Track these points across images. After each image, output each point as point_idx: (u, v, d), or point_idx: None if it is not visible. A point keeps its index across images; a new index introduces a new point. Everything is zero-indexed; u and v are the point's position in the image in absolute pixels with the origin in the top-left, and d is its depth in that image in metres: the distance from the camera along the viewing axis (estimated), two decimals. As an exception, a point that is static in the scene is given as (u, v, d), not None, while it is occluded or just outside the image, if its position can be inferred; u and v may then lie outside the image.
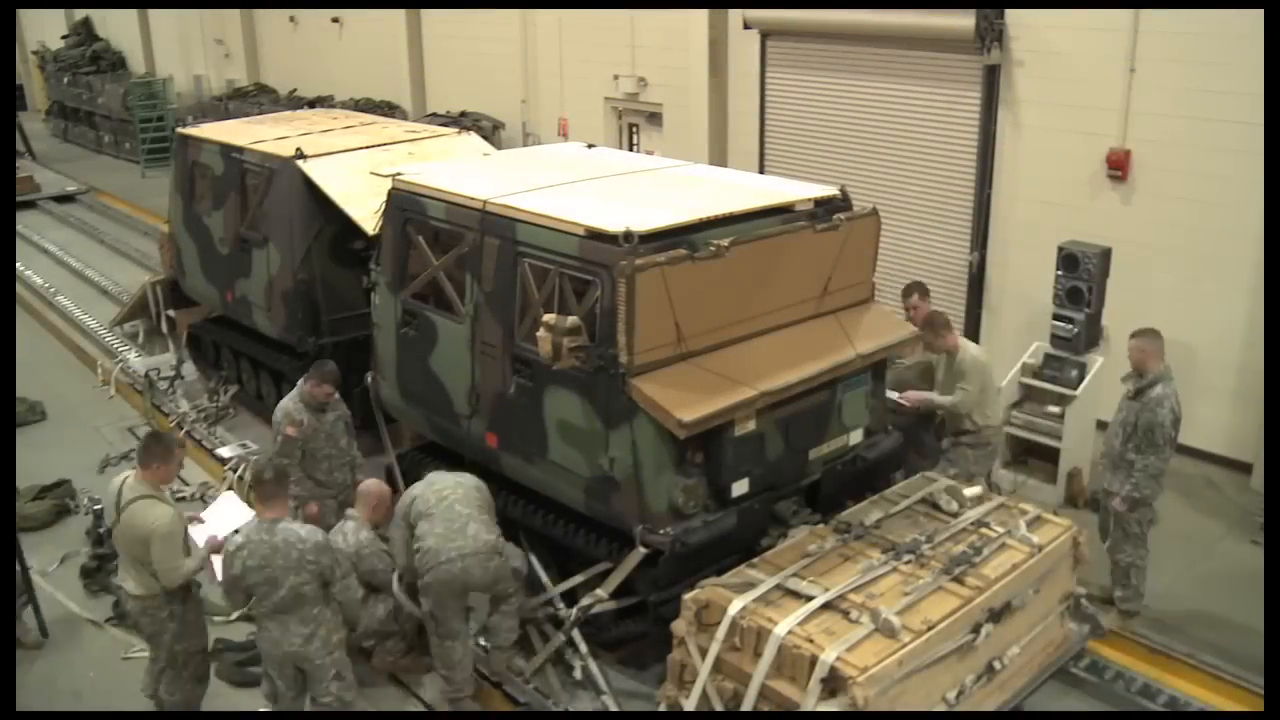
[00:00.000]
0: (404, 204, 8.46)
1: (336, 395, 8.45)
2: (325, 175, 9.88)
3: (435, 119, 17.57)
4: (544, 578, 8.10)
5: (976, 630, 6.44)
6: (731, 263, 7.04)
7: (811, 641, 6.05)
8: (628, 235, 6.67)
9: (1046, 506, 8.33)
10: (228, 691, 7.72)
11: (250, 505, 7.88)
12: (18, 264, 17.70)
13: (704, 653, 6.45)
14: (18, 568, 8.11)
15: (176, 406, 12.08)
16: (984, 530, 7.22)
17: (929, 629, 6.17)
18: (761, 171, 13.63)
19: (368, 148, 10.64)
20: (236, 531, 6.66)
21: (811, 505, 7.85)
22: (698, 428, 6.69)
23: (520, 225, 7.45)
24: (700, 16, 14.38)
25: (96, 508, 9.00)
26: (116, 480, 6.99)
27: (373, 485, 7.87)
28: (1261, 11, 8.65)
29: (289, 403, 8.35)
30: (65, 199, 22.94)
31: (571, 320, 6.78)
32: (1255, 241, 9.44)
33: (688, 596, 6.59)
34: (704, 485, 7.10)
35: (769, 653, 6.13)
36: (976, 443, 8.75)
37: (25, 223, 20.74)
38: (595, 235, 6.89)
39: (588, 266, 6.93)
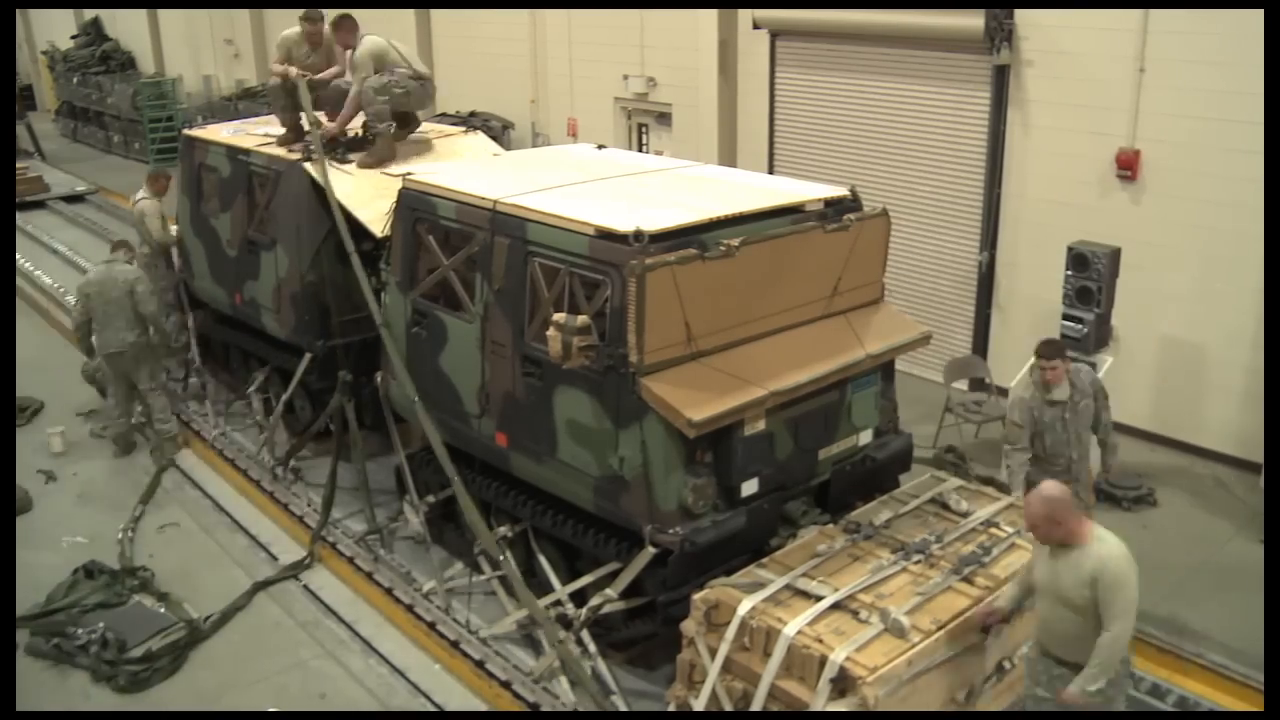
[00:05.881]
0: (414, 204, 8.48)
1: None
2: (331, 177, 9.87)
3: (445, 119, 17.57)
4: (553, 578, 8.12)
5: (986, 630, 6.44)
6: (741, 262, 7.04)
7: (821, 641, 6.06)
8: (638, 235, 6.67)
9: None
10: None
11: None
12: (28, 264, 17.77)
13: (713, 653, 6.46)
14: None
15: (185, 406, 12.17)
16: (993, 530, 7.23)
17: (938, 629, 6.17)
18: (771, 171, 13.65)
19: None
20: None
21: (821, 505, 7.86)
22: (707, 427, 6.70)
23: (530, 225, 7.46)
24: (710, 16, 14.38)
25: None
26: None
27: None
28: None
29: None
30: (74, 199, 23.00)
31: (581, 319, 6.80)
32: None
33: (697, 596, 6.60)
34: (713, 485, 7.10)
35: (778, 653, 6.14)
36: None
37: (34, 223, 20.82)
38: (605, 235, 6.89)
39: (598, 266, 6.94)
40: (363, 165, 10.01)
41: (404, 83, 10.31)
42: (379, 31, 10.65)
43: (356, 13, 10.76)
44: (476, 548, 8.64)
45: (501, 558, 7.99)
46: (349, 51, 10.67)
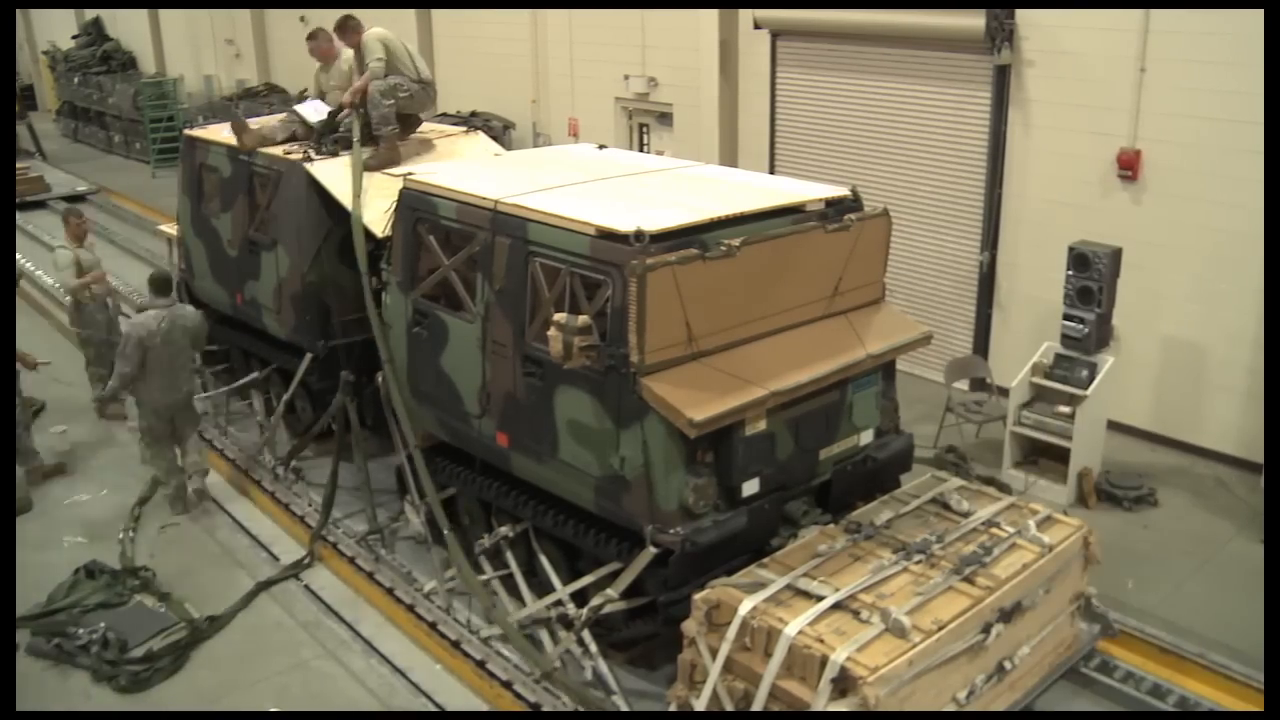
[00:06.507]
0: (415, 204, 8.48)
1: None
2: (333, 177, 9.89)
3: (445, 119, 17.57)
4: (554, 578, 8.12)
5: (987, 630, 6.45)
6: (742, 262, 7.04)
7: (822, 641, 6.06)
8: (639, 234, 6.67)
9: (1057, 506, 8.35)
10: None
11: None
12: (28, 264, 17.77)
13: (714, 653, 6.46)
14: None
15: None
16: (994, 530, 7.23)
17: (939, 629, 6.17)
18: (772, 171, 13.64)
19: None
20: None
21: (822, 505, 7.86)
22: (708, 427, 6.69)
23: (531, 225, 7.46)
24: (710, 16, 14.38)
25: None
26: None
27: None
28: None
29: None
30: (76, 199, 22.98)
31: (582, 319, 6.79)
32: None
33: (698, 596, 6.60)
34: (714, 485, 7.10)
35: (779, 653, 6.14)
36: None
37: (36, 223, 20.80)
38: (606, 235, 6.89)
39: (599, 266, 6.93)
40: (369, 168, 10.02)
41: (408, 86, 10.40)
42: (380, 32, 10.64)
43: (359, 13, 10.76)
44: (477, 548, 8.65)
45: (490, 620, 8.11)
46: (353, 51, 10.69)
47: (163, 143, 25.43)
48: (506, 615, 8.03)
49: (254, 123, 11.24)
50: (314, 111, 10.81)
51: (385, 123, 10.27)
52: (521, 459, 7.89)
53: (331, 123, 10.51)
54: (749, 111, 14.55)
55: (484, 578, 8.58)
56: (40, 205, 22.37)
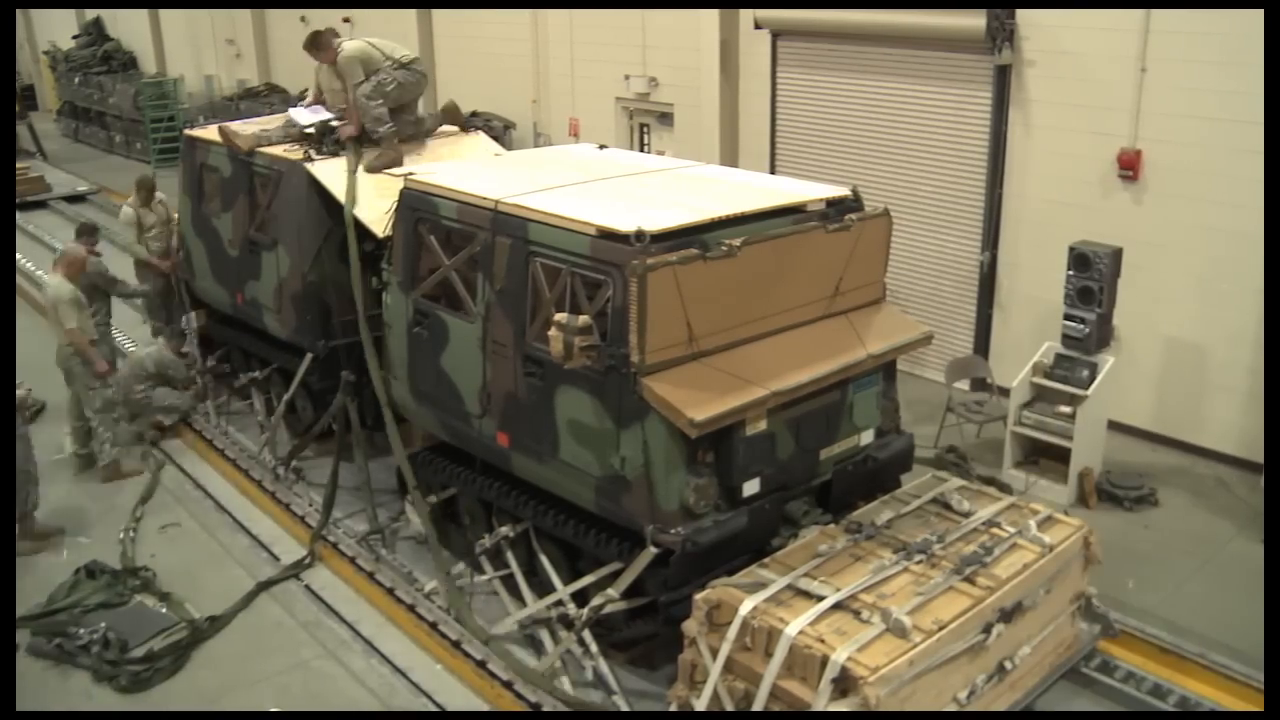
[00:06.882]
0: (416, 204, 8.48)
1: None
2: (334, 177, 9.89)
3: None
4: (554, 578, 8.11)
5: (987, 630, 6.45)
6: (743, 262, 7.04)
7: (822, 641, 6.06)
8: (639, 235, 6.67)
9: (1057, 506, 8.34)
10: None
11: None
12: (29, 264, 17.77)
13: (715, 653, 6.46)
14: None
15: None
16: (995, 530, 7.23)
17: (940, 629, 6.17)
18: (772, 171, 13.64)
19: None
20: None
21: (822, 505, 7.86)
22: (709, 427, 6.69)
23: (532, 225, 7.46)
24: (711, 16, 14.38)
25: None
26: None
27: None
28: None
29: None
30: (76, 199, 22.98)
31: (583, 319, 6.80)
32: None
33: (699, 596, 6.61)
34: (715, 485, 7.10)
35: (780, 653, 6.14)
36: None
37: (36, 223, 20.80)
38: (607, 235, 6.89)
39: (599, 266, 6.93)
40: (371, 169, 10.02)
41: (392, 75, 10.36)
42: (380, 32, 10.65)
43: (359, 13, 10.75)
44: (478, 548, 8.65)
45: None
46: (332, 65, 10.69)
47: (163, 143, 25.43)
48: (484, 630, 7.99)
49: (252, 124, 11.24)
50: (309, 116, 10.78)
51: (380, 123, 10.26)
52: (522, 459, 7.89)
53: (327, 127, 10.49)
54: (749, 111, 14.55)
55: (484, 578, 8.59)
56: (41, 205, 22.36)
